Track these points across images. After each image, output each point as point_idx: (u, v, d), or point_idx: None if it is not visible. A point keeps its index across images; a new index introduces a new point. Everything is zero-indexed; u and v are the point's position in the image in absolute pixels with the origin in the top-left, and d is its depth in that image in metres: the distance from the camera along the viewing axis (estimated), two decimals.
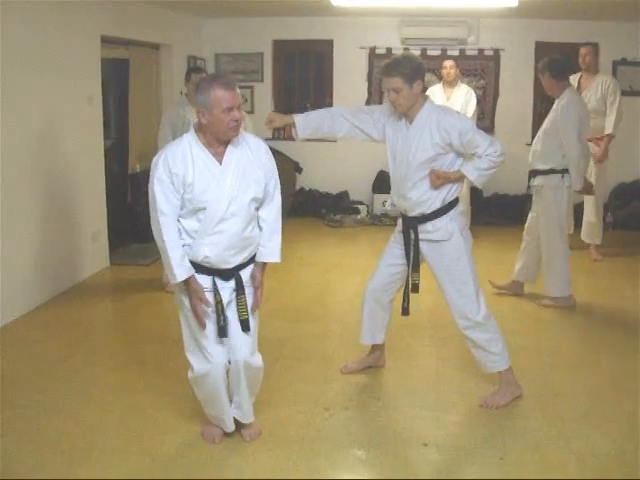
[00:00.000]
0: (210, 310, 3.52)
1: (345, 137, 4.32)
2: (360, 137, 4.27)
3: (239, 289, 3.59)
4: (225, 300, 3.56)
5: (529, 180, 6.06)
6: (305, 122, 4.24)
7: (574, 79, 7.54)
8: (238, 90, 3.38)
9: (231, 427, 3.77)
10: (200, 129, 3.45)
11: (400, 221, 4.34)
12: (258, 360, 3.72)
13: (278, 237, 3.69)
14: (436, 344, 5.22)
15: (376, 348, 4.72)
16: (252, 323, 3.64)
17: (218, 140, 3.43)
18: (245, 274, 3.62)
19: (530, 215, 6.25)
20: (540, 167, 5.90)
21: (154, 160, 3.46)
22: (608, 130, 7.32)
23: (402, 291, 4.39)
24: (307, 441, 3.78)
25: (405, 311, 4.40)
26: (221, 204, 3.42)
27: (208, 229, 3.45)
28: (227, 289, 3.58)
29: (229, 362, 3.61)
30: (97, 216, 7.01)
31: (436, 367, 4.83)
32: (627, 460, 3.61)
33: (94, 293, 6.45)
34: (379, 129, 4.20)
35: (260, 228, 3.64)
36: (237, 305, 3.59)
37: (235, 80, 3.44)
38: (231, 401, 3.75)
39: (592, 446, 3.74)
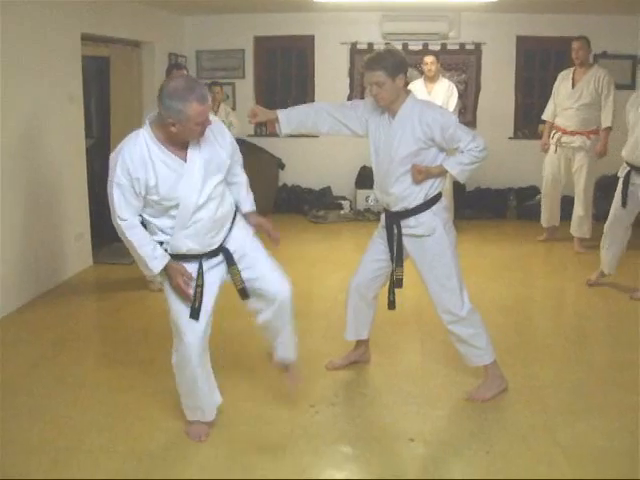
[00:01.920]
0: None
1: (329, 132, 4.30)
2: (344, 132, 4.25)
3: (229, 261, 3.64)
4: (219, 279, 3.66)
5: (632, 178, 5.98)
6: (288, 117, 4.22)
7: (567, 75, 7.63)
8: (209, 99, 3.32)
9: (211, 416, 3.81)
10: (159, 128, 3.35)
11: (383, 216, 4.34)
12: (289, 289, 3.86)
13: (249, 191, 3.88)
14: (421, 339, 5.22)
15: (360, 344, 4.73)
16: (271, 261, 3.81)
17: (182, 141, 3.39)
18: (231, 245, 3.66)
19: (617, 209, 6.17)
20: None
21: (111, 159, 3.40)
22: (606, 123, 7.32)
23: (387, 286, 4.39)
24: (293, 438, 3.78)
25: (391, 305, 4.39)
26: (192, 198, 3.41)
27: (184, 223, 3.45)
28: (218, 268, 3.65)
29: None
30: (80, 215, 6.97)
31: (421, 362, 4.84)
32: (613, 452, 3.63)
33: (78, 292, 6.42)
34: (362, 124, 4.19)
35: (233, 185, 3.76)
36: (232, 277, 3.67)
37: (206, 92, 3.31)
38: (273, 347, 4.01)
39: (578, 438, 3.76)
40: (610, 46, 9.14)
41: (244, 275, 3.69)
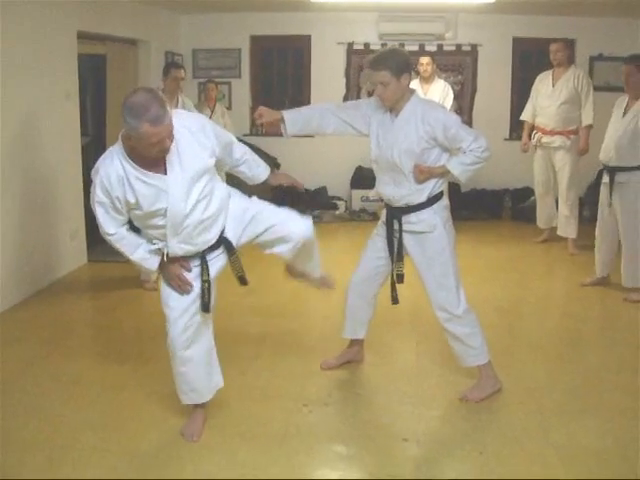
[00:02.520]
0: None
1: (334, 133, 4.29)
2: (349, 132, 4.25)
3: (230, 251, 3.67)
4: (217, 270, 3.69)
5: (604, 177, 6.12)
6: (294, 118, 4.22)
7: (546, 75, 7.72)
8: (169, 120, 3.16)
9: (207, 396, 3.81)
10: (128, 145, 3.28)
11: (384, 212, 4.34)
12: (309, 227, 4.05)
13: (256, 157, 3.97)
14: (416, 339, 5.23)
15: (355, 343, 4.73)
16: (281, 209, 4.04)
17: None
18: (229, 233, 3.67)
19: (602, 211, 6.28)
20: (627, 164, 5.91)
21: (92, 175, 3.38)
22: (587, 121, 7.41)
23: (389, 282, 4.39)
24: (287, 437, 3.78)
25: (394, 300, 4.38)
26: (178, 208, 3.38)
27: (175, 231, 3.44)
28: (218, 259, 3.69)
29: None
30: (75, 213, 6.97)
31: (416, 362, 4.84)
32: (607, 453, 3.63)
33: (72, 290, 6.42)
34: (366, 123, 4.19)
35: (241, 166, 3.88)
36: (231, 265, 3.71)
37: (164, 113, 3.14)
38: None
39: (571, 439, 3.76)
40: (605, 48, 9.17)
41: (264, 236, 3.80)
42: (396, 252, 4.24)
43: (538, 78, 7.86)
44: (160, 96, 3.19)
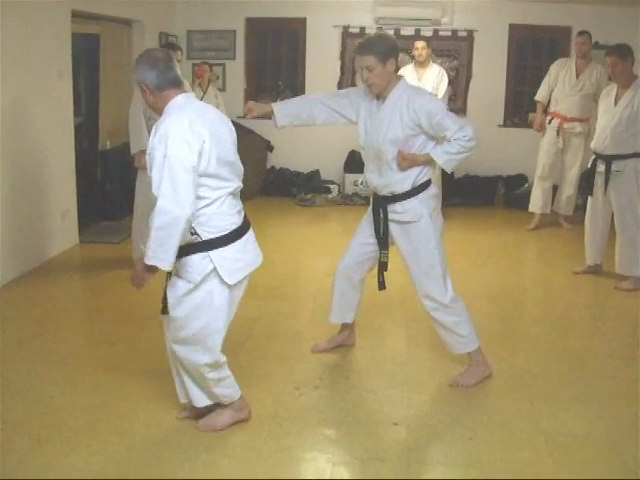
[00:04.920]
0: None
1: (324, 123, 4.32)
2: (340, 121, 4.28)
3: None
4: None
5: (598, 166, 6.12)
6: (283, 110, 4.25)
7: (567, 64, 7.96)
8: None
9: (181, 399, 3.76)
10: None
11: (372, 199, 4.35)
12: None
13: None
14: (406, 324, 5.23)
15: (346, 327, 4.73)
16: None
17: None
18: None
19: (592, 200, 6.31)
20: (623, 152, 5.95)
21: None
22: None
23: (375, 269, 4.39)
24: (277, 420, 3.79)
25: (381, 285, 4.38)
26: None
27: None
28: None
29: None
30: (66, 193, 6.93)
31: (406, 346, 4.85)
32: (595, 440, 3.65)
33: (63, 271, 6.40)
34: (355, 111, 4.19)
35: None
36: None
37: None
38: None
39: (561, 426, 3.78)
40: (601, 37, 9.12)
41: None
42: (382, 240, 4.24)
43: (557, 64, 8.06)
44: None
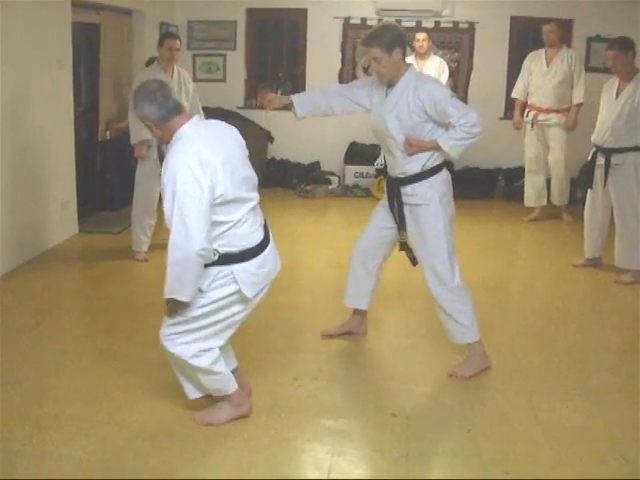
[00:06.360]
0: None
1: (343, 113, 4.43)
2: (357, 111, 4.37)
3: None
4: None
5: (598, 159, 6.11)
6: (302, 102, 4.38)
7: (538, 55, 7.97)
8: None
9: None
10: None
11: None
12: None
13: None
14: (406, 315, 5.24)
15: (357, 313, 4.75)
16: None
17: None
18: None
19: (592, 193, 6.30)
20: (623, 145, 5.94)
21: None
22: (578, 100, 7.76)
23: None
24: (276, 411, 3.79)
25: (413, 261, 4.40)
26: None
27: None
28: None
29: None
30: (66, 183, 6.92)
31: (405, 337, 4.85)
32: (594, 432, 3.66)
33: (62, 261, 6.39)
34: (370, 99, 4.28)
35: None
36: None
37: None
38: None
39: (559, 418, 3.78)
40: (603, 30, 9.10)
41: None
42: (398, 221, 4.29)
43: (529, 57, 8.08)
44: None
